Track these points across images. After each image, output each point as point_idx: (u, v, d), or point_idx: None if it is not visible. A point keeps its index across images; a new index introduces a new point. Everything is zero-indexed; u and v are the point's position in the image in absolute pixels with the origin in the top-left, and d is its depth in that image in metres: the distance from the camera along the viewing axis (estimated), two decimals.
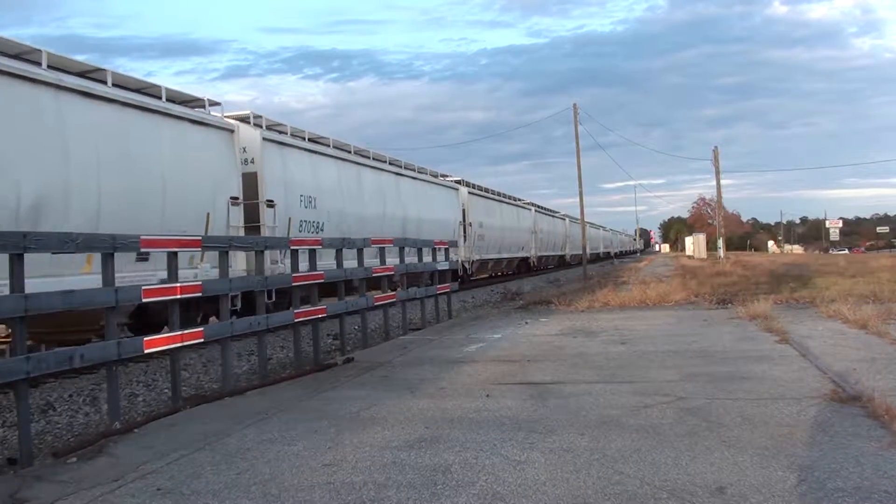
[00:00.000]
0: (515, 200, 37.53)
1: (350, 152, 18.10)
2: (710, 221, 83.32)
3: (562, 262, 48.53)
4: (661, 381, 6.25)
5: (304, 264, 8.78)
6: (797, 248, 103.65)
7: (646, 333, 9.64)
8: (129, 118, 10.29)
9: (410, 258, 12.60)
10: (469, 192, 27.80)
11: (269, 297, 10.48)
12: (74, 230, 7.01)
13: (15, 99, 8.45)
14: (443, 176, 26.79)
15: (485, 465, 4.04)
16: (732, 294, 14.65)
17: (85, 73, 10.13)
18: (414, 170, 22.51)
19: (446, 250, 14.14)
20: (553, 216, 47.53)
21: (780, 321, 9.64)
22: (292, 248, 8.58)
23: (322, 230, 14.89)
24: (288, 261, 8.59)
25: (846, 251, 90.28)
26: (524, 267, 37.48)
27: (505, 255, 32.81)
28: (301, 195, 14.49)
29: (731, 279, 21.37)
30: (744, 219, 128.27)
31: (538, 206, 42.38)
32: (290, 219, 13.87)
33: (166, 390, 7.59)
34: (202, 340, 6.68)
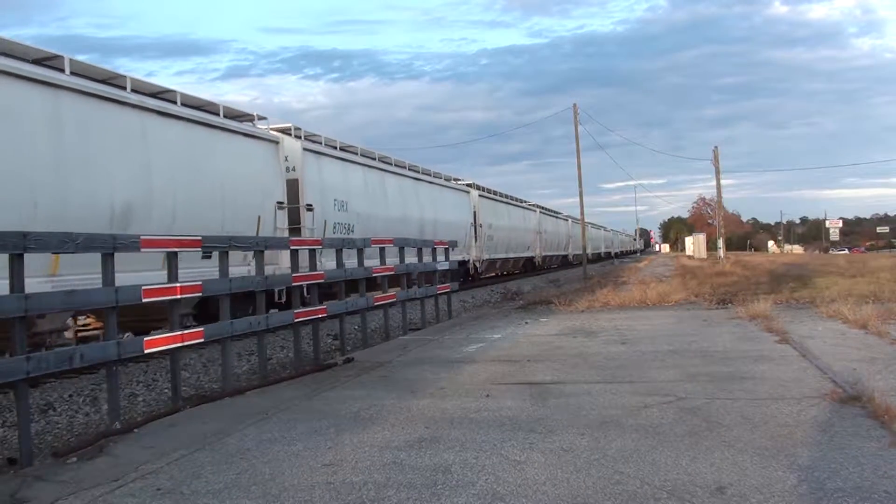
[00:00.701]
0: (521, 202, 38.65)
1: (374, 159, 19.39)
2: (710, 221, 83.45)
3: (565, 262, 49.25)
4: (662, 381, 6.25)
5: (330, 262, 9.30)
6: (797, 248, 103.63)
7: (646, 333, 9.64)
8: (195, 134, 11.67)
9: (412, 258, 12.59)
10: (479, 195, 29.13)
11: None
12: (156, 231, 9.20)
13: (111, 121, 9.87)
14: (455, 180, 28.29)
15: (485, 466, 4.04)
16: (732, 294, 14.65)
17: (157, 93, 11.44)
18: (430, 174, 24.06)
19: (446, 250, 14.15)
20: (556, 217, 48.39)
21: (780, 321, 9.64)
22: (292, 248, 8.58)
23: (353, 231, 16.12)
24: (326, 259, 9.06)
25: (846, 251, 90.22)
26: (529, 266, 38.66)
27: (512, 255, 33.98)
28: (334, 199, 15.88)
29: (731, 279, 21.38)
30: (744, 219, 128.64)
31: (542, 208, 43.54)
32: (325, 221, 15.18)
33: (166, 390, 7.59)
34: (202, 340, 6.68)
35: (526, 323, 11.83)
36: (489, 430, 4.82)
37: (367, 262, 10.51)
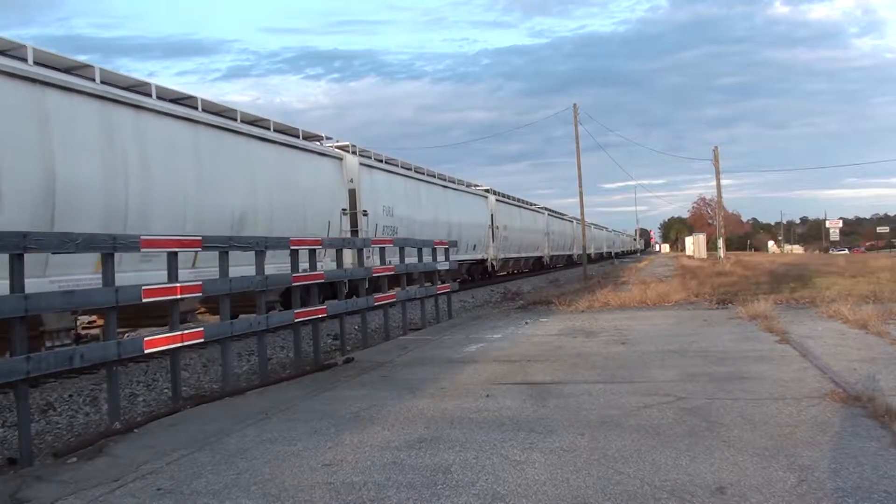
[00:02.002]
0: (530, 205, 40.84)
1: (411, 170, 22.19)
2: (710, 221, 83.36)
3: (570, 261, 50.58)
4: (661, 381, 6.25)
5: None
6: (797, 248, 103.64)
7: (646, 333, 9.64)
8: (284, 155, 14.17)
9: (412, 259, 12.60)
10: (496, 200, 31.74)
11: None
12: (261, 234, 11.50)
13: (229, 148, 12.32)
14: (475, 186, 31.27)
15: (485, 466, 4.04)
16: (732, 294, 14.64)
17: (255, 121, 13.72)
18: (454, 182, 27.02)
19: (446, 250, 14.16)
20: (562, 219, 50.04)
21: (781, 321, 9.63)
22: (292, 248, 8.57)
23: (396, 233, 18.79)
24: (375, 256, 10.47)
25: (846, 251, 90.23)
26: (538, 265, 41.06)
27: (523, 255, 36.64)
28: (383, 206, 18.70)
29: (731, 279, 21.36)
30: (744, 219, 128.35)
31: (550, 210, 45.93)
32: (376, 224, 17.96)
33: (166, 390, 7.59)
34: (202, 340, 6.68)
35: (526, 323, 11.83)
36: (489, 430, 4.82)
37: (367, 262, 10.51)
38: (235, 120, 12.77)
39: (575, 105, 32.73)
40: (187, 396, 6.98)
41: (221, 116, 12.37)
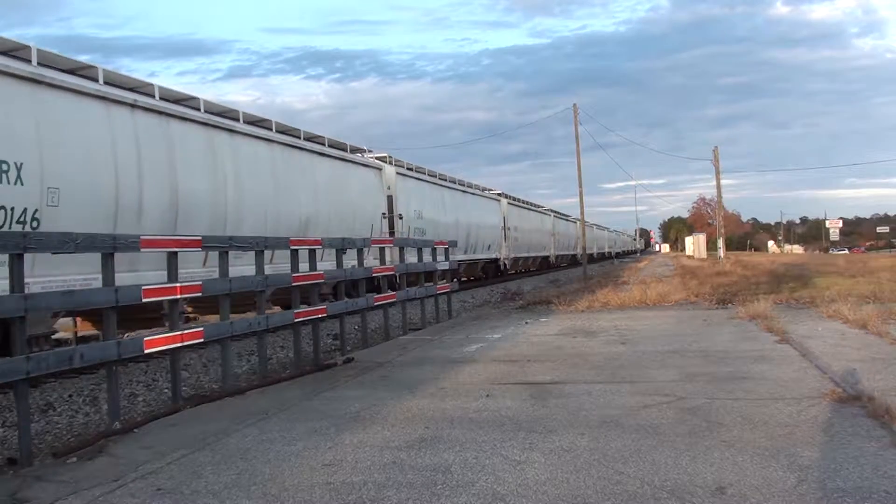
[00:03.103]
0: (538, 207, 43.48)
1: (435, 177, 25.12)
2: (710, 221, 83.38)
3: (573, 260, 51.75)
4: (661, 381, 6.25)
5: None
6: (797, 248, 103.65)
7: (646, 333, 9.64)
8: (337, 167, 16.66)
9: (411, 258, 12.61)
10: (508, 203, 34.10)
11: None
12: (322, 234, 12.94)
13: (296, 162, 14.70)
14: (488, 190, 33.74)
15: (485, 466, 4.04)
16: (732, 294, 14.63)
17: (313, 137, 16.14)
18: (472, 187, 30.04)
19: (446, 250, 14.17)
20: (567, 220, 51.84)
21: (780, 321, 9.63)
22: (292, 248, 8.57)
23: (425, 234, 21.09)
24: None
25: (846, 251, 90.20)
26: (545, 264, 43.22)
27: (532, 254, 38.91)
28: (414, 210, 21.29)
29: (731, 279, 21.35)
30: (744, 219, 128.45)
31: (556, 212, 48.42)
32: (409, 226, 20.40)
33: (166, 390, 7.59)
34: (202, 340, 6.68)
35: (526, 323, 11.83)
36: (489, 429, 4.82)
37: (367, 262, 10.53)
38: (299, 138, 15.19)
39: (575, 105, 32.80)
40: (187, 396, 6.98)
41: (289, 135, 14.83)
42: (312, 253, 8.82)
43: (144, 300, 6.04)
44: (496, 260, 31.23)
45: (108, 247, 5.63)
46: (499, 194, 34.50)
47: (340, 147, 17.35)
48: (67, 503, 3.78)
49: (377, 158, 19.90)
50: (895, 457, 3.85)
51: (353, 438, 4.77)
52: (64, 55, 9.69)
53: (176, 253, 6.46)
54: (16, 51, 8.88)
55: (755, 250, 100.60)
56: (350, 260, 10.33)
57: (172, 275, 6.35)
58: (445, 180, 26.12)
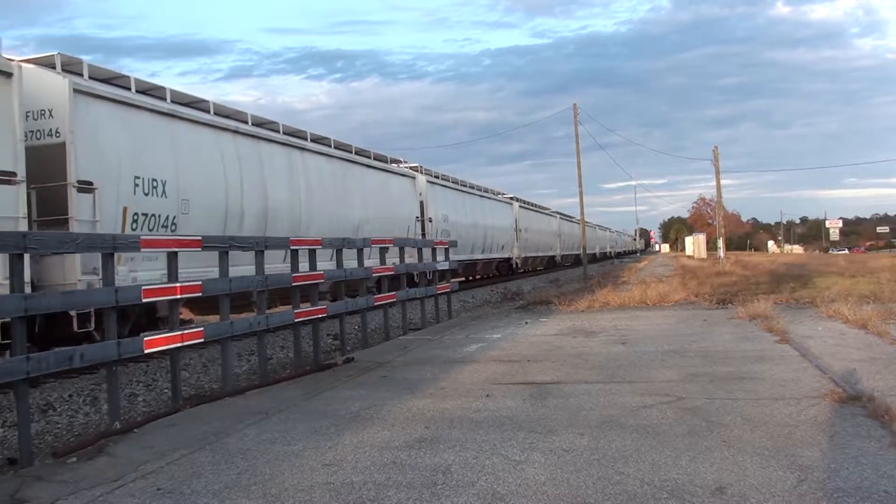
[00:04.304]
0: (545, 210, 45.90)
1: (458, 183, 27.92)
2: (710, 221, 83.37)
3: (577, 260, 52.35)
4: (661, 381, 6.25)
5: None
6: (797, 248, 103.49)
7: (646, 333, 9.64)
8: (381, 177, 19.27)
9: (411, 259, 12.62)
10: (520, 207, 36.35)
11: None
12: (369, 234, 15.05)
13: (350, 173, 17.23)
14: (500, 194, 35.81)
15: (485, 466, 4.04)
16: (732, 294, 14.63)
17: (360, 151, 18.82)
18: (488, 192, 32.20)
19: (446, 250, 14.17)
20: (571, 221, 53.06)
21: (780, 321, 9.63)
22: (292, 248, 8.57)
23: (450, 235, 22.92)
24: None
25: (846, 251, 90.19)
26: (552, 263, 45.48)
27: (540, 254, 41.31)
28: (441, 214, 23.82)
29: (731, 279, 21.35)
30: (744, 219, 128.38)
31: (562, 214, 50.60)
32: (437, 229, 22.83)
33: (166, 390, 7.59)
34: (202, 340, 6.67)
35: (526, 323, 11.83)
36: (489, 430, 4.82)
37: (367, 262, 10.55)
38: (351, 152, 18.01)
39: (575, 105, 32.85)
40: (187, 396, 6.98)
41: (343, 150, 17.46)
42: (312, 253, 8.82)
43: (144, 300, 6.05)
44: (509, 259, 33.33)
45: (108, 247, 5.63)
46: (511, 198, 36.57)
47: (382, 159, 20.17)
48: (67, 503, 3.78)
49: (410, 168, 22.63)
50: (895, 457, 3.86)
51: (354, 438, 4.77)
52: (184, 91, 12.23)
53: (176, 253, 6.46)
54: (152, 90, 11.33)
55: (755, 250, 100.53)
56: (394, 257, 12.08)
57: (172, 274, 6.35)
58: (465, 186, 28.78)
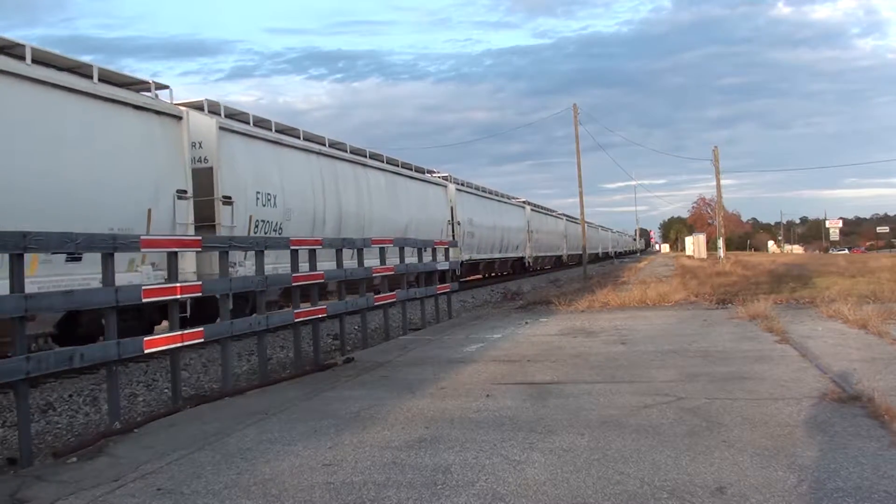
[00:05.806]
0: (552, 212, 48.89)
1: (479, 189, 31.05)
2: (710, 221, 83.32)
3: (580, 260, 52.19)
4: (661, 381, 6.25)
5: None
6: (797, 248, 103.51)
7: (646, 333, 9.64)
8: (420, 186, 22.22)
9: (411, 259, 12.63)
10: (531, 210, 39.30)
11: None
12: (412, 235, 17.93)
13: (400, 183, 20.44)
14: (514, 198, 39.13)
15: (485, 466, 4.04)
16: (732, 294, 14.63)
17: (404, 164, 22.35)
18: (503, 196, 35.46)
19: (446, 250, 14.17)
20: (576, 223, 55.82)
21: (780, 321, 9.63)
22: (292, 248, 8.57)
23: (474, 237, 27.27)
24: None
25: (846, 251, 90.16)
26: (559, 262, 48.27)
27: (548, 254, 44.49)
28: (467, 218, 26.62)
29: (731, 279, 21.35)
30: (744, 219, 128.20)
31: (568, 216, 52.78)
32: (464, 231, 25.77)
33: (166, 390, 7.59)
34: (202, 340, 6.67)
35: (526, 323, 11.83)
36: (489, 429, 4.82)
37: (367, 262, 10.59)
38: (398, 165, 21.37)
39: (574, 105, 32.85)
40: (187, 396, 6.98)
41: (392, 164, 20.90)
42: (313, 253, 8.82)
43: (144, 300, 6.04)
44: (522, 258, 36.21)
45: (109, 247, 5.62)
46: (523, 202, 39.60)
47: (420, 171, 23.69)
48: (67, 503, 3.78)
49: (441, 178, 26.07)
50: (895, 457, 3.86)
51: (354, 438, 4.77)
52: (282, 122, 15.26)
53: (176, 253, 6.46)
54: (261, 122, 14.42)
55: (755, 250, 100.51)
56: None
57: (173, 274, 6.35)
58: (486, 192, 32.00)
